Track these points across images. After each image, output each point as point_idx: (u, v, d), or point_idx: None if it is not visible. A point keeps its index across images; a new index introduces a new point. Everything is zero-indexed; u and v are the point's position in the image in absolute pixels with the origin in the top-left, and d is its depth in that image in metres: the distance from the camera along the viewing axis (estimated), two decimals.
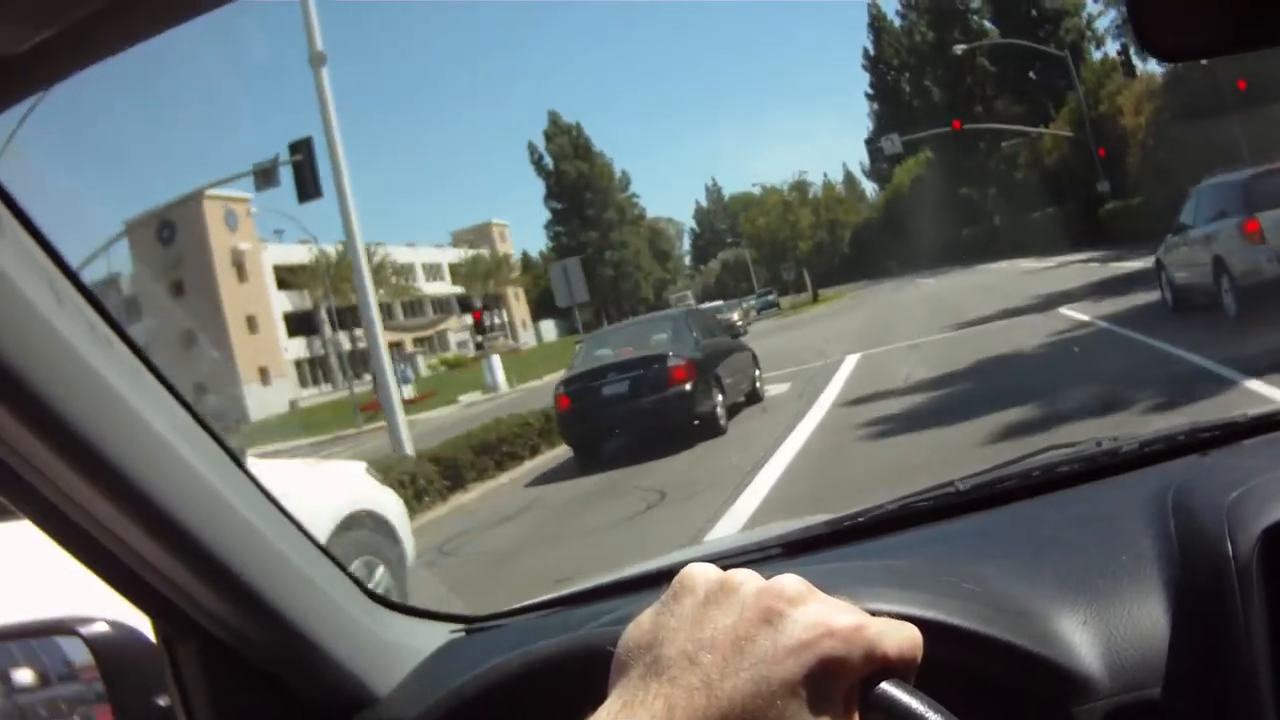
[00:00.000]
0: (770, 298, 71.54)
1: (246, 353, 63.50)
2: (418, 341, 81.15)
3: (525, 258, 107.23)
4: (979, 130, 57.52)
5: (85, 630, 1.65)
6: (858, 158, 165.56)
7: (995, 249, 57.35)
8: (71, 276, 1.17)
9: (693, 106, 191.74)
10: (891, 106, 76.62)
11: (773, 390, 18.77)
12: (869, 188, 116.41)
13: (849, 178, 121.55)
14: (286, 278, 70.35)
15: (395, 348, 76.53)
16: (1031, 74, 59.51)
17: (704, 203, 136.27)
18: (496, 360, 49.29)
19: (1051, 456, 1.83)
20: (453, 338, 79.13)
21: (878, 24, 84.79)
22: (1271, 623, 1.08)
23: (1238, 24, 0.93)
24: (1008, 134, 53.52)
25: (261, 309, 64.75)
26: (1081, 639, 1.17)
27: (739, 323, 55.64)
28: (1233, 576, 1.12)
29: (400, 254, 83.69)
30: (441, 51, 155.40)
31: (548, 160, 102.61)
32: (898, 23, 79.35)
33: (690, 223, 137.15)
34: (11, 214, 1.09)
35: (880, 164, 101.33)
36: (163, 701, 1.55)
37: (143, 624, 1.55)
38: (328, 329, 70.55)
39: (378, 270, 70.98)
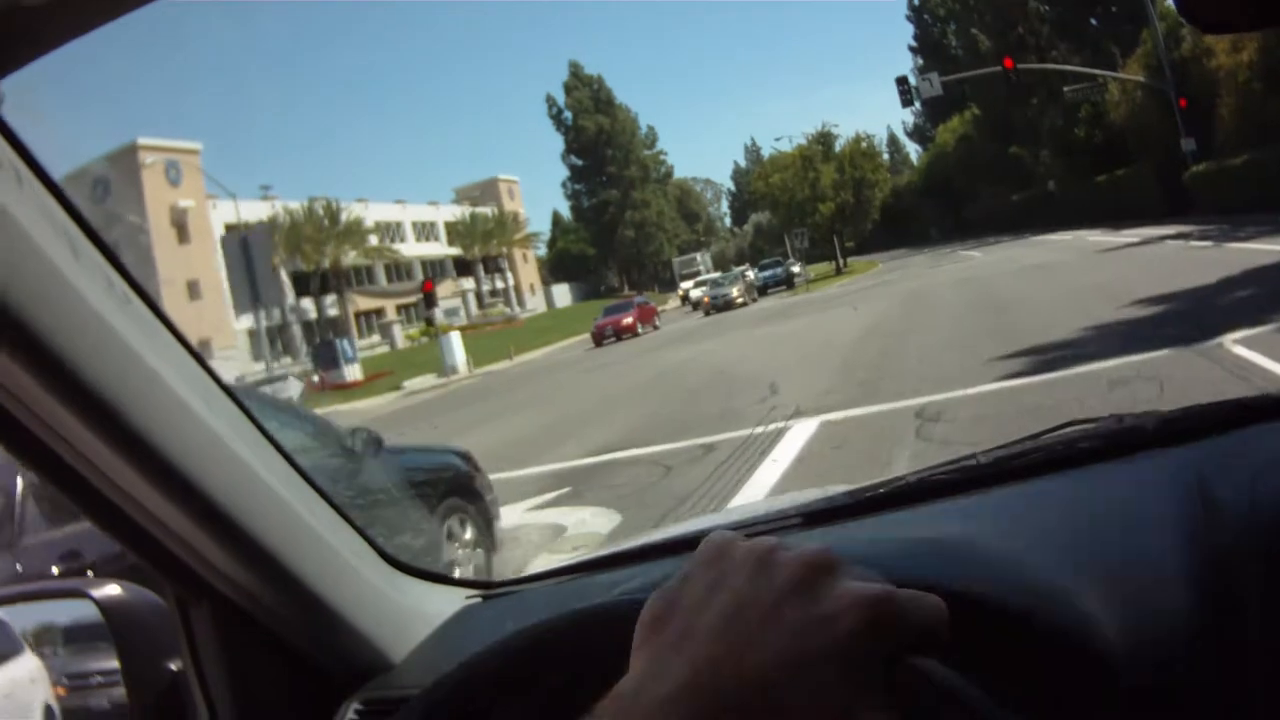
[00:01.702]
0: (776, 271, 61.46)
1: (184, 322, 53.60)
2: (401, 309, 74.27)
3: (556, 217, 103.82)
4: (1033, 80, 51.40)
5: (96, 593, 1.68)
6: (902, 120, 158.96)
7: (1051, 217, 52.60)
8: (90, 232, 1.16)
9: (737, 66, 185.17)
10: (937, 61, 69.74)
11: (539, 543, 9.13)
12: (913, 151, 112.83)
13: (893, 140, 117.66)
14: None
15: (373, 315, 70.51)
16: (1093, 19, 54.35)
17: (743, 163, 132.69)
18: (455, 339, 43.36)
19: (1073, 432, 1.71)
20: (441, 304, 71.52)
21: None
22: None
23: None
24: (1071, 78, 46.10)
25: (207, 273, 57.27)
26: (1103, 617, 1.11)
27: (739, 299, 48.68)
28: (1258, 558, 1.09)
29: (386, 211, 77.97)
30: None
31: (567, 115, 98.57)
32: None
33: (729, 184, 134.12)
34: (30, 168, 1.09)
35: (920, 120, 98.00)
36: (174, 665, 1.56)
37: (155, 587, 1.57)
38: (289, 295, 63.76)
39: (347, 230, 64.86)
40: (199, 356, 1.33)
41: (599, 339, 44.45)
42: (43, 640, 2.58)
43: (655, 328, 47.42)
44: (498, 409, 22.15)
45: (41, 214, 1.08)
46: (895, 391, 11.76)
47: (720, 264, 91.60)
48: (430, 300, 44.24)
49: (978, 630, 1.02)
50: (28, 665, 2.57)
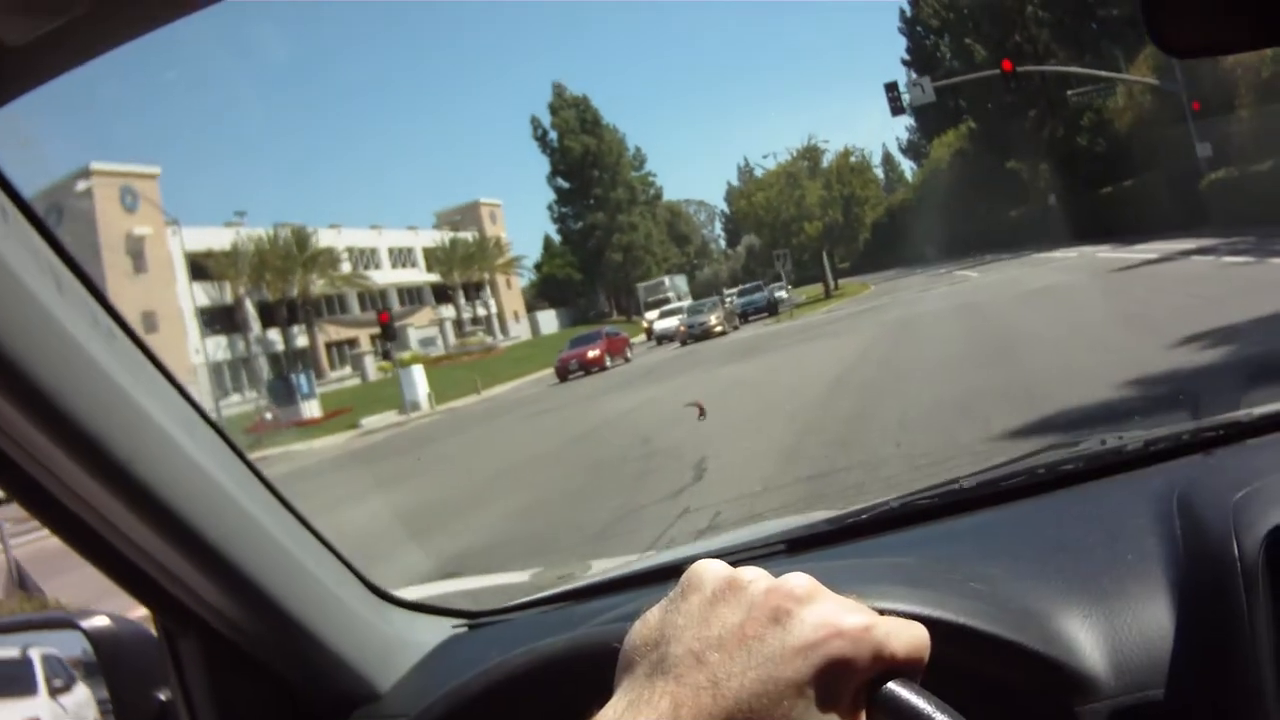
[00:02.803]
0: (755, 297, 57.68)
1: None
2: (375, 339, 71.06)
3: (548, 241, 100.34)
4: (1032, 89, 49.83)
5: (85, 624, 1.70)
6: (896, 137, 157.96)
7: (1051, 234, 49.48)
8: (74, 268, 1.19)
9: (730, 87, 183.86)
10: (930, 74, 67.43)
11: None
12: (908, 168, 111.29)
13: (887, 158, 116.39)
14: (205, 265, 60.90)
15: (346, 346, 68.06)
16: (1093, 24, 52.28)
17: (736, 183, 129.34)
18: (417, 373, 41.28)
19: (1056, 455, 1.81)
20: (414, 334, 69.09)
21: None
22: (1276, 624, 1.11)
23: (1257, 19, 0.93)
24: (1074, 81, 43.97)
25: (164, 304, 54.84)
26: (1086, 639, 1.19)
27: (717, 328, 45.61)
28: (1238, 577, 1.14)
29: (360, 238, 75.48)
30: (442, 21, 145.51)
31: (552, 136, 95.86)
32: None
33: (722, 205, 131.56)
34: (14, 204, 1.11)
35: (915, 136, 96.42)
36: (163, 695, 1.59)
37: (143, 618, 1.60)
38: (255, 325, 61.33)
39: (315, 257, 62.93)
40: (183, 390, 1.35)
41: (563, 373, 40.52)
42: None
43: (626, 360, 43.72)
44: (406, 470, 19.71)
45: (26, 249, 1.09)
46: (859, 494, 7.95)
47: (712, 287, 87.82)
48: (388, 332, 42.01)
49: (959, 656, 1.09)
50: (44, 703, 2.64)
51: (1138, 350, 11.31)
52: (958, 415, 10.31)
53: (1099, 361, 11.42)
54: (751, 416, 14.69)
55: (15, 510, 1.27)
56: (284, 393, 44.70)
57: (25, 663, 2.71)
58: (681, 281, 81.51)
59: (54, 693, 2.66)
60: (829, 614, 0.72)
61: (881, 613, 0.74)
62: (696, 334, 45.34)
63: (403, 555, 10.35)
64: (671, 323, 53.05)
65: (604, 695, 0.74)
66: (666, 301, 67.91)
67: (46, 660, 2.68)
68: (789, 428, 12.56)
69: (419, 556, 10.15)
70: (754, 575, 0.76)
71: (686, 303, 61.61)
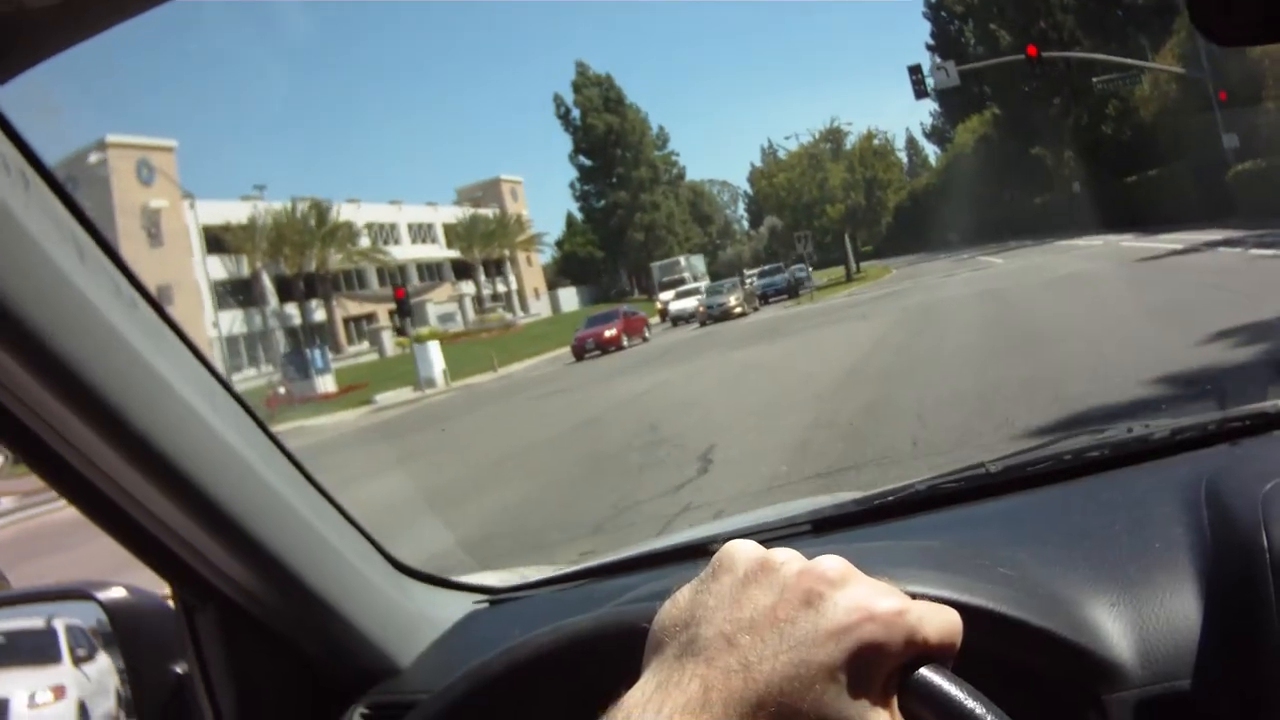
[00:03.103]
0: (776, 279, 57.37)
1: None
2: (393, 314, 71.08)
3: (570, 219, 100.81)
4: (1057, 77, 49.71)
5: (101, 595, 1.70)
6: (920, 122, 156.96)
7: (1075, 221, 49.00)
8: (96, 236, 1.18)
9: (755, 68, 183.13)
10: (955, 59, 66.94)
11: None
12: (932, 153, 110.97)
13: (911, 143, 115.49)
14: (222, 239, 60.68)
15: (364, 320, 67.95)
16: (1119, 11, 52.08)
17: (759, 164, 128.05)
18: (433, 349, 40.94)
19: (1083, 441, 1.80)
20: (433, 310, 68.89)
21: None
22: None
23: None
24: (1099, 69, 43.27)
25: (180, 277, 54.58)
26: (1113, 627, 1.19)
27: (737, 309, 45.21)
28: (1266, 568, 1.14)
29: (380, 213, 75.32)
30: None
31: (575, 114, 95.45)
32: None
33: (745, 186, 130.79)
34: (36, 171, 1.10)
35: (939, 122, 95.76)
36: (179, 668, 1.59)
37: (160, 590, 1.58)
38: (272, 299, 61.17)
39: (333, 231, 62.78)
40: (206, 360, 1.34)
41: (579, 352, 40.43)
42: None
43: (645, 339, 43.62)
44: (407, 450, 19.46)
45: (48, 217, 1.09)
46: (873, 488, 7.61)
47: (734, 268, 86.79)
48: (404, 308, 41.87)
49: (987, 641, 1.09)
50: (68, 671, 2.71)
51: (1166, 344, 11.04)
52: (977, 410, 9.99)
53: (1125, 355, 11.08)
54: (763, 405, 14.53)
55: None
56: (298, 367, 44.62)
57: (50, 633, 2.81)
58: (698, 261, 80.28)
59: (78, 661, 2.76)
60: (862, 598, 0.71)
61: (912, 596, 0.74)
62: (716, 315, 45.22)
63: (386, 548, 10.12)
64: (688, 304, 52.35)
65: (631, 676, 0.73)
66: (682, 282, 66.12)
67: (70, 630, 2.77)
68: (800, 419, 12.20)
69: (403, 554, 9.88)
70: (786, 557, 0.75)
71: (704, 283, 60.61)
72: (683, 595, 0.76)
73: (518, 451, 15.71)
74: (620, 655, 0.81)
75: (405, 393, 38.75)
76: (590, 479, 11.93)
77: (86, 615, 1.95)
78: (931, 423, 10.06)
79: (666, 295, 61.51)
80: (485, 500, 11.73)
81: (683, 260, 76.45)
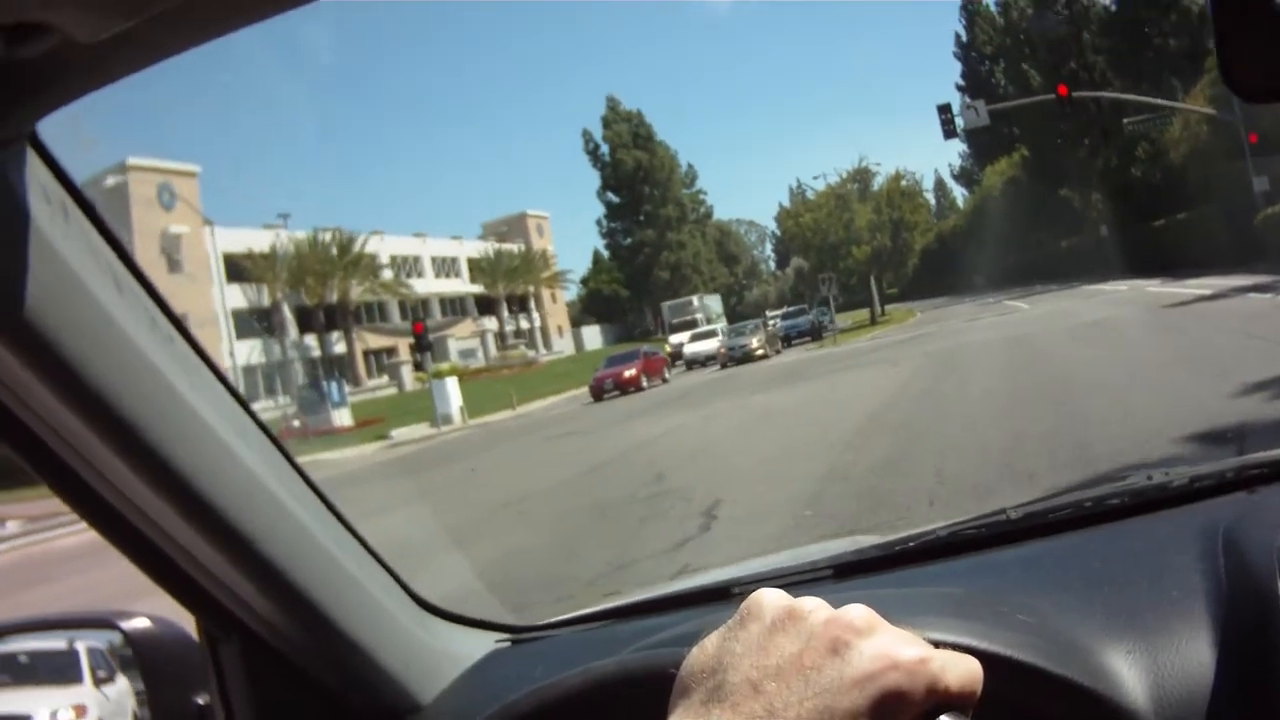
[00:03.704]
0: (799, 321, 56.86)
1: None
2: (413, 348, 70.94)
3: (597, 256, 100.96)
4: (1087, 119, 50.98)
5: (125, 624, 1.71)
6: (949, 164, 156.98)
7: (1102, 265, 49.48)
8: (133, 268, 1.19)
9: (784, 108, 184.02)
10: (985, 99, 66.98)
11: None
12: (959, 195, 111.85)
13: (940, 184, 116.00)
14: (243, 267, 60.54)
15: (384, 354, 67.79)
16: (1151, 53, 51.19)
17: (787, 204, 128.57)
18: (451, 385, 40.67)
19: (1102, 489, 1.80)
20: (455, 345, 68.63)
21: (971, 4, 77.36)
22: None
23: None
24: (1130, 109, 43.34)
25: (199, 306, 54.41)
26: (1129, 674, 1.19)
27: (759, 350, 44.70)
28: None
29: (404, 245, 75.21)
30: (500, 35, 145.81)
31: (604, 149, 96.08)
32: (992, 4, 71.54)
33: (773, 226, 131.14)
34: (75, 202, 1.11)
35: (967, 163, 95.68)
36: (202, 700, 1.59)
37: (185, 621, 1.58)
38: (292, 330, 60.97)
39: (355, 263, 62.69)
40: (238, 394, 1.35)
41: (598, 393, 39.80)
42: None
43: (664, 380, 43.07)
44: (409, 492, 19.08)
45: (87, 249, 1.10)
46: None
47: (761, 309, 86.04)
48: (422, 342, 41.55)
49: (1006, 689, 1.09)
50: (89, 692, 2.81)
51: (1196, 395, 10.67)
52: (1000, 468, 9.46)
53: (1154, 409, 10.63)
54: (776, 456, 13.90)
55: None
56: (314, 400, 44.47)
57: (72, 654, 2.92)
58: (714, 301, 77.32)
59: (98, 682, 2.89)
60: (886, 646, 0.72)
61: (934, 644, 0.75)
62: (738, 356, 44.75)
63: None
64: (704, 346, 51.03)
65: None
66: (695, 324, 63.46)
67: (91, 652, 2.90)
68: (813, 471, 11.67)
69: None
70: (813, 605, 0.76)
71: (720, 324, 59.63)
72: (710, 642, 0.77)
73: (520, 497, 15.27)
74: (647, 700, 0.84)
75: (422, 429, 38.57)
76: (589, 531, 11.47)
77: (107, 640, 2.02)
78: (950, 480, 9.61)
79: (679, 338, 58.78)
80: (475, 551, 11.25)
81: (695, 300, 72.92)
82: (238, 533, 1.29)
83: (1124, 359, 15.88)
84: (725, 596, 1.70)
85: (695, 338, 54.61)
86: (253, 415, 1.37)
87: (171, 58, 1.01)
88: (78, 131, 1.13)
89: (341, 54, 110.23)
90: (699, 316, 67.25)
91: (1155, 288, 30.77)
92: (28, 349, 1.04)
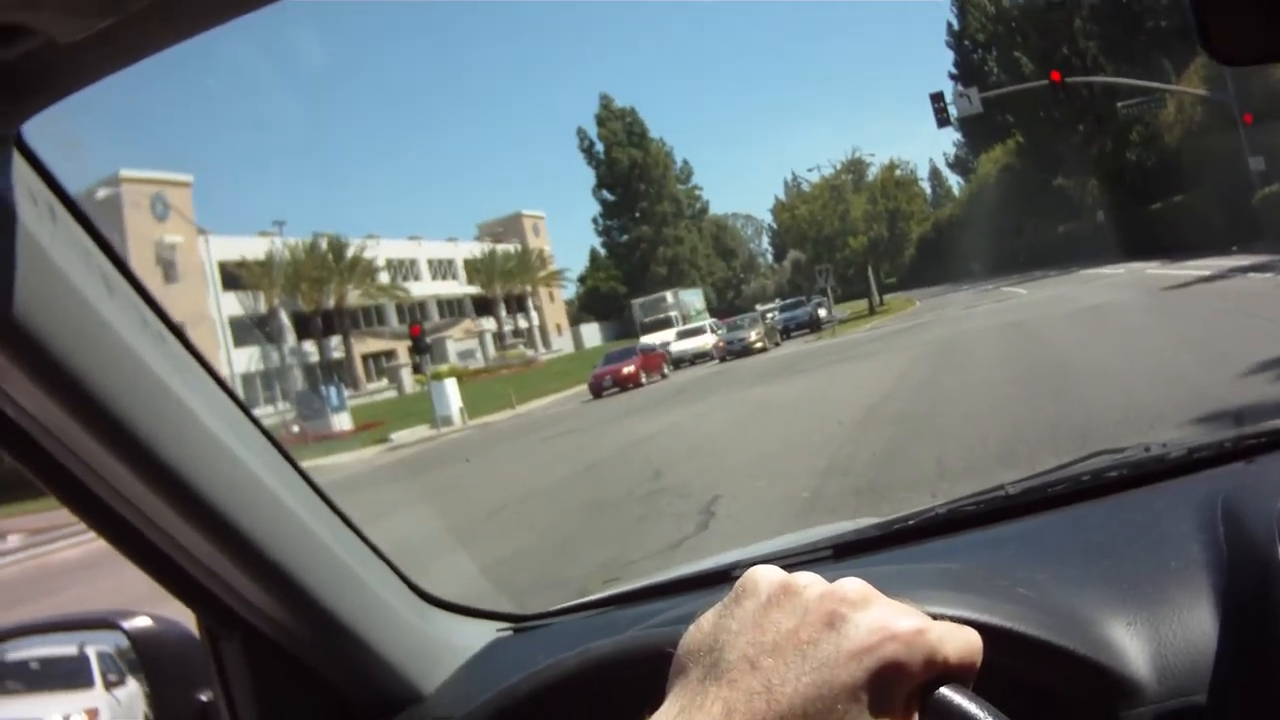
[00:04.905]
0: (797, 313, 56.56)
1: None
2: (412, 351, 70.94)
3: (594, 254, 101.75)
4: (1080, 105, 51.00)
5: (127, 624, 1.72)
6: (944, 152, 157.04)
7: (1099, 250, 49.02)
8: (123, 269, 1.19)
9: (778, 101, 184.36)
10: (979, 88, 66.87)
11: None
12: (955, 183, 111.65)
13: (935, 174, 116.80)
14: (239, 275, 60.49)
15: (383, 357, 67.73)
16: (1142, 36, 51.28)
17: (783, 197, 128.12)
18: (450, 386, 40.50)
19: (1100, 461, 1.81)
20: (453, 347, 68.59)
21: None
22: None
23: None
24: (1123, 93, 42.98)
25: (195, 315, 54.29)
26: (1130, 644, 1.20)
27: (757, 344, 44.65)
28: None
29: (399, 248, 75.23)
30: (488, 35, 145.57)
31: (599, 147, 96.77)
32: None
33: (769, 219, 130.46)
34: (62, 204, 1.11)
35: (962, 151, 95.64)
36: (204, 696, 1.60)
37: (186, 619, 1.59)
38: (289, 336, 60.95)
39: (351, 267, 62.62)
40: (231, 392, 1.35)
41: (597, 390, 39.56)
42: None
43: (664, 376, 42.96)
44: (405, 495, 18.88)
45: (75, 250, 1.10)
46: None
47: (759, 302, 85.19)
48: (419, 345, 41.53)
49: (1006, 660, 1.10)
50: (100, 695, 2.86)
51: (1198, 378, 10.61)
52: (1002, 459, 9.37)
53: (1155, 392, 10.55)
54: (775, 450, 13.82)
55: None
56: (313, 405, 44.44)
57: (82, 659, 3.01)
58: (692, 296, 73.90)
59: (109, 686, 2.95)
60: (883, 618, 0.72)
61: (933, 617, 0.74)
62: (736, 350, 44.75)
63: None
64: (693, 343, 49.90)
65: (656, 700, 0.73)
66: (669, 323, 59.15)
67: (101, 657, 2.97)
68: (812, 466, 11.55)
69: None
70: (808, 580, 0.76)
71: (707, 320, 57.74)
72: (706, 620, 0.76)
73: (517, 498, 15.16)
74: (645, 679, 0.83)
75: (422, 430, 38.49)
76: (585, 532, 11.35)
77: (114, 643, 2.04)
78: (952, 472, 9.48)
79: (652, 339, 52.67)
80: (464, 556, 11.00)
81: (669, 296, 69.14)
82: (235, 529, 1.30)
83: (1123, 343, 15.72)
84: (726, 580, 1.67)
85: (682, 335, 53.25)
86: (246, 411, 1.38)
87: (153, 55, 1.01)
88: (63, 134, 1.12)
89: (331, 57, 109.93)
90: (674, 314, 64.07)
91: (1154, 270, 30.63)
92: (18, 350, 1.03)
